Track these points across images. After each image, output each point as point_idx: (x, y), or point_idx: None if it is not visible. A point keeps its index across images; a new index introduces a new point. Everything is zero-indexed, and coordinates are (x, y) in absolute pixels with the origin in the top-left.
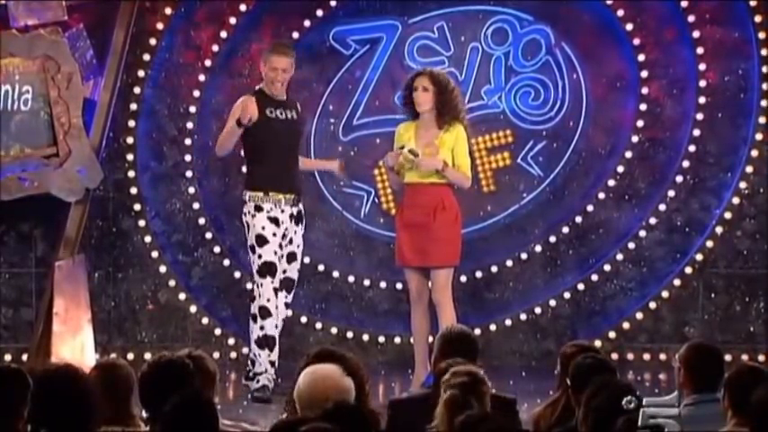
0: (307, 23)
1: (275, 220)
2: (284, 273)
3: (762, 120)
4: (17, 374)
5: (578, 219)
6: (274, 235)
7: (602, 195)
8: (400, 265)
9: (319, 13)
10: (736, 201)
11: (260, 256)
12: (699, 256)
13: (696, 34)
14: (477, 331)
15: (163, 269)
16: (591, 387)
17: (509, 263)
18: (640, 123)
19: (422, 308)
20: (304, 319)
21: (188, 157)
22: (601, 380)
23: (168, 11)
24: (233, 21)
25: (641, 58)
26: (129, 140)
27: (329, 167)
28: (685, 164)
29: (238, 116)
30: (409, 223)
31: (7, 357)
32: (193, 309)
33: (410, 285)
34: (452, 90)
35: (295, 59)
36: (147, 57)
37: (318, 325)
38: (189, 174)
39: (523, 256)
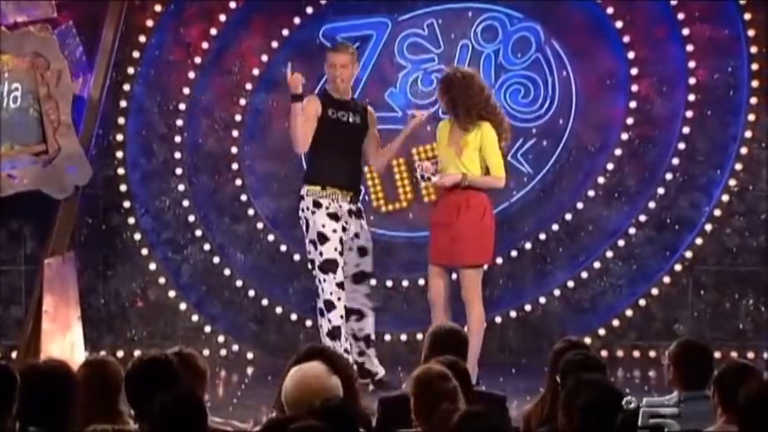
0: (297, 21)
1: (335, 216)
2: (357, 266)
3: (751, 117)
4: (4, 371)
5: (568, 216)
6: (334, 231)
7: (591, 193)
8: (429, 263)
9: (309, 10)
10: (725, 198)
11: (321, 254)
12: (688, 254)
13: (686, 32)
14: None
15: (152, 267)
16: (569, 385)
17: (499, 260)
18: (630, 121)
19: (440, 308)
20: (294, 317)
21: (178, 155)
22: (577, 378)
23: (158, 8)
24: (223, 18)
25: (631, 55)
26: (119, 138)
27: (412, 127)
28: (675, 161)
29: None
30: (436, 222)
31: None
32: (183, 306)
33: (430, 283)
34: (466, 88)
35: (355, 56)
36: (136, 54)
37: (309, 322)
38: (179, 171)
39: (513, 253)
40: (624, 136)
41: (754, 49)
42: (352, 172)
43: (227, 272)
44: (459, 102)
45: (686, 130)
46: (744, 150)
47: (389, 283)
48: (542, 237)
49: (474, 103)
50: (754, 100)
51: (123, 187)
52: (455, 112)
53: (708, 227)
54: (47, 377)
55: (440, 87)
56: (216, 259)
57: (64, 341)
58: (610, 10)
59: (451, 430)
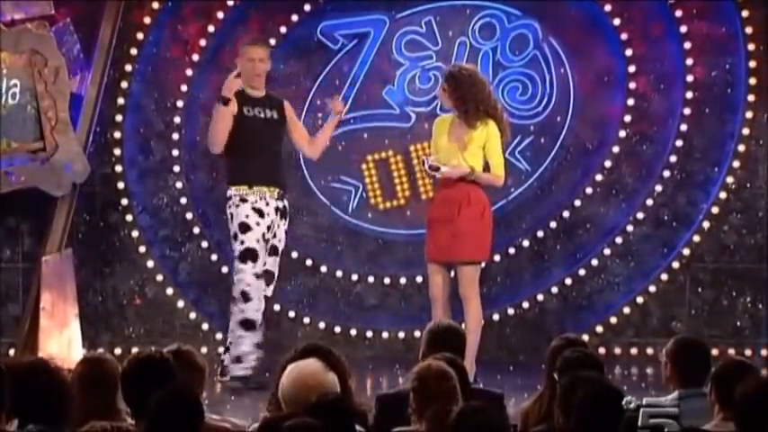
0: (294, 18)
1: (260, 212)
2: (264, 265)
3: (749, 115)
4: None
5: (566, 213)
6: (258, 224)
7: (589, 190)
8: (426, 260)
9: (307, 7)
10: (723, 195)
11: (242, 243)
12: (686, 251)
13: (683, 29)
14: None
15: (150, 264)
16: (566, 383)
17: (496, 257)
18: (628, 118)
19: (441, 305)
20: (292, 314)
21: (175, 152)
22: (574, 375)
23: (155, 5)
24: (220, 15)
25: (629, 52)
26: (117, 135)
27: (333, 121)
28: (672, 159)
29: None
30: (435, 218)
31: None
32: (181, 304)
33: (430, 281)
34: (473, 85)
35: (271, 53)
36: (134, 51)
37: (306, 320)
38: (176, 168)
39: (511, 250)
40: (622, 133)
41: (751, 47)
42: (275, 168)
43: (224, 269)
44: (469, 98)
45: (684, 127)
46: (741, 148)
47: (387, 281)
48: (540, 234)
49: (481, 99)
50: (751, 97)
51: (121, 185)
52: (465, 109)
53: (705, 224)
54: (28, 375)
55: (448, 84)
56: (213, 257)
57: (61, 338)
58: (607, 7)
59: (450, 426)
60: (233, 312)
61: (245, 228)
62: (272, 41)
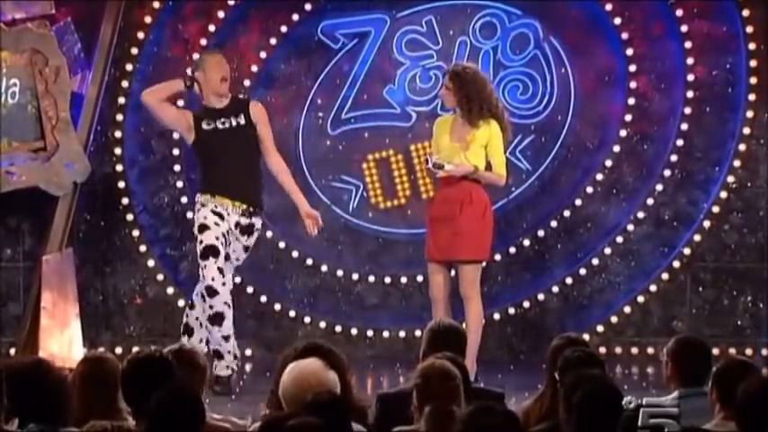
0: (295, 17)
1: (219, 215)
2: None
3: (749, 114)
4: None
5: (566, 213)
6: (216, 224)
7: (590, 189)
8: (427, 259)
9: (308, 6)
10: (723, 195)
11: (201, 242)
12: (686, 250)
13: (684, 28)
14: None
15: (151, 263)
16: (569, 381)
17: (497, 257)
18: (628, 117)
19: (441, 305)
20: (293, 314)
21: (176, 151)
22: (577, 374)
23: (156, 4)
24: (221, 14)
25: (629, 52)
26: (117, 134)
27: (300, 207)
28: (673, 158)
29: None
30: (436, 217)
31: None
32: (181, 303)
33: (430, 280)
34: (476, 83)
35: None
36: (135, 50)
37: (307, 319)
38: (177, 168)
39: (512, 250)
40: (622, 133)
41: (752, 46)
42: (243, 180)
43: None
44: (473, 96)
45: (684, 126)
46: (742, 147)
47: (388, 280)
48: (541, 233)
49: (483, 98)
50: (752, 97)
51: (121, 184)
52: (468, 107)
53: (706, 224)
54: (28, 375)
55: (453, 83)
56: None
57: (62, 338)
58: (608, 6)
59: (460, 424)
60: (204, 310)
61: (203, 228)
62: (273, 41)
